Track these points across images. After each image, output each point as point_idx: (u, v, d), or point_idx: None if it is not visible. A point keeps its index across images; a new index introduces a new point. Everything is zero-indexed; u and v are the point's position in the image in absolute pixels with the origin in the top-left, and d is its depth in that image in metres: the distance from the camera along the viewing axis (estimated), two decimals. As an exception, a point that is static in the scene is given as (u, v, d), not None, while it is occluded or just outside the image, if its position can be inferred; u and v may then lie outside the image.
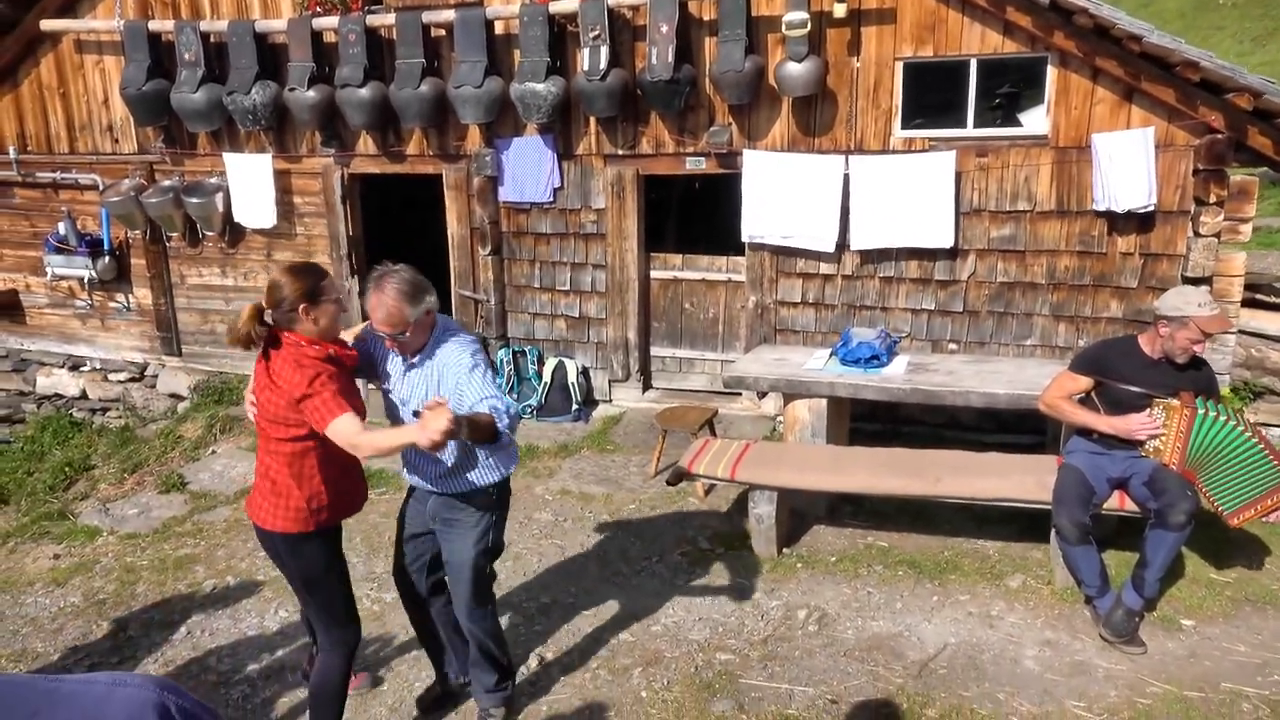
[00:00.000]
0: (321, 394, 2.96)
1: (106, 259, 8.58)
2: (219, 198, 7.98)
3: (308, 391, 2.95)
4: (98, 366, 9.10)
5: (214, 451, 7.27)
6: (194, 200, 7.97)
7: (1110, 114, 5.79)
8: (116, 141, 8.39)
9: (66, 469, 7.43)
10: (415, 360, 3.26)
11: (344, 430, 2.95)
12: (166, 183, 8.15)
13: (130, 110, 7.86)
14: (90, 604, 4.92)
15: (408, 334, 3.15)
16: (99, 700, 0.81)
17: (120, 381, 9.00)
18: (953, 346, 6.45)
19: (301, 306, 3.02)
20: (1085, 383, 4.30)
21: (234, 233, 8.22)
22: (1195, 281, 5.73)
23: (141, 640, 4.50)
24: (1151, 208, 5.73)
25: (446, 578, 3.55)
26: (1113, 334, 5.92)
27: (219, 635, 4.49)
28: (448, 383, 3.19)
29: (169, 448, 7.48)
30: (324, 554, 3.26)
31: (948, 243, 6.22)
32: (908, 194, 6.18)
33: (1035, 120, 6.04)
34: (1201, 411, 4.05)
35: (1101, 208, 5.84)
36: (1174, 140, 5.69)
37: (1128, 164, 5.66)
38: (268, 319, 3.07)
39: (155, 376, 8.89)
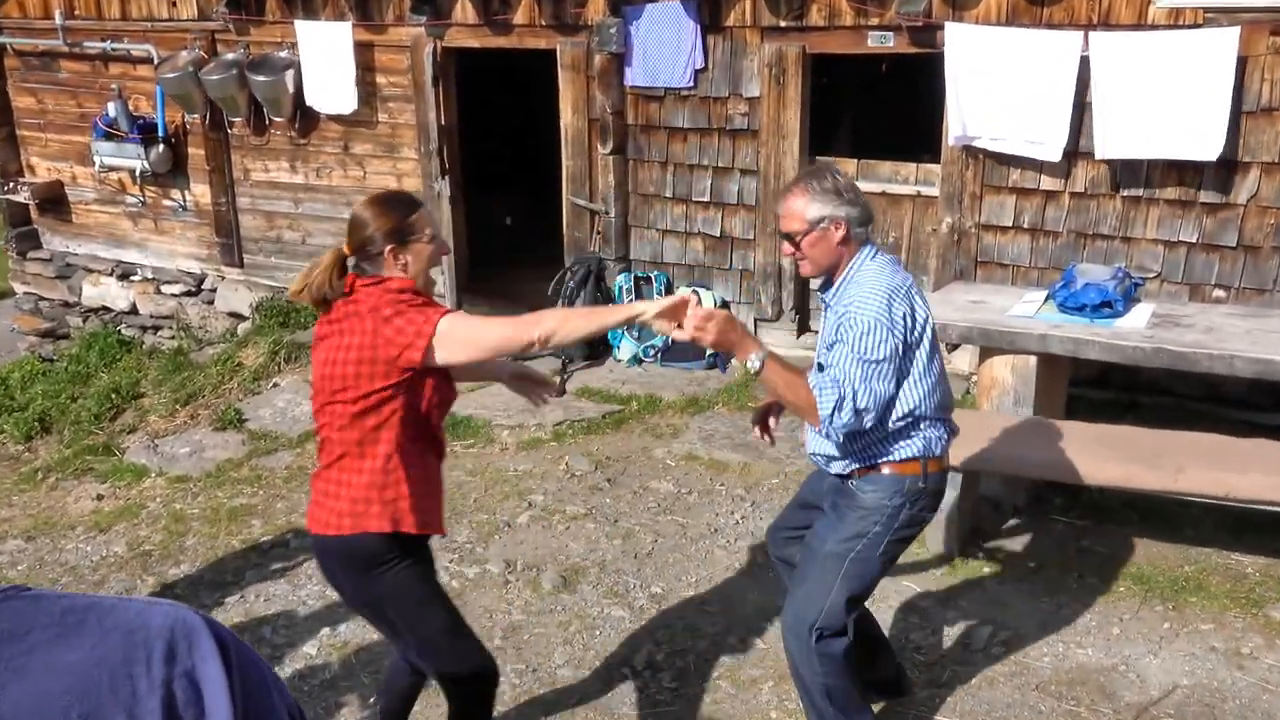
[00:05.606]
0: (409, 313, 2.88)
1: (161, 147, 9.15)
2: (289, 75, 8.35)
3: (391, 313, 2.86)
4: (149, 276, 9.81)
5: (276, 384, 7.76)
6: (260, 78, 8.37)
7: None
8: (174, 6, 8.87)
9: (113, 395, 8.10)
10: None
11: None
12: (230, 56, 8.59)
13: (189, -33, 8.30)
14: (135, 555, 5.41)
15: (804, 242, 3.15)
16: (140, 612, 1.05)
17: (174, 295, 9.68)
18: (1219, 293, 6.13)
19: (389, 248, 2.93)
20: None
21: (306, 119, 8.60)
22: None
23: (190, 600, 4.92)
24: None
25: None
26: None
27: (275, 602, 4.86)
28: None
29: (226, 377, 8.02)
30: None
31: (1218, 153, 5.86)
32: (1169, 85, 5.84)
33: (1362, -16, 5.56)
34: None
35: None
36: None
37: None
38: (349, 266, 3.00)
39: (213, 291, 9.52)
